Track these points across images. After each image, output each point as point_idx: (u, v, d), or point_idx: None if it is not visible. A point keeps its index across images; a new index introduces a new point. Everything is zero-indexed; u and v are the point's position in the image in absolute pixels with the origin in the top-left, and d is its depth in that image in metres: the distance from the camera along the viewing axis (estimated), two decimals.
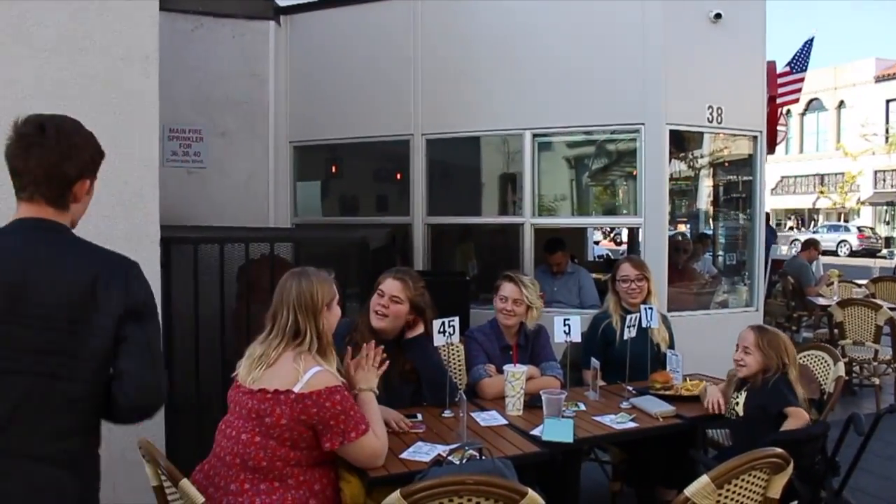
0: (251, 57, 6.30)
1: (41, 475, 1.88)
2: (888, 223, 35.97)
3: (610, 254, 13.13)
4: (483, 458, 2.54)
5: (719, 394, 3.39)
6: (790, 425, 3.02)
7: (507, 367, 3.41)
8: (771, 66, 7.08)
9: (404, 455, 2.77)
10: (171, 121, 6.01)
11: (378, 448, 2.60)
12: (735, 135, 5.84)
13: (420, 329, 3.45)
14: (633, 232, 9.23)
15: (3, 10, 3.59)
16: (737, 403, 3.29)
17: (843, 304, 6.84)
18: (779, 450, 2.33)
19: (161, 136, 5.90)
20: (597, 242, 12.61)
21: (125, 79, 3.85)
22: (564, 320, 3.59)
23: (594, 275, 6.61)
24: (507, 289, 3.88)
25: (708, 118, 5.40)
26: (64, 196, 2.04)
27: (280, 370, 2.54)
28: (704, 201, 6.80)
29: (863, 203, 36.79)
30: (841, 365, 3.79)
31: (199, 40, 6.16)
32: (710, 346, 4.82)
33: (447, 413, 3.30)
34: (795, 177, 39.96)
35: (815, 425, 3.07)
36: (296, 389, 2.46)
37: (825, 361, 3.95)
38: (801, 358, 3.98)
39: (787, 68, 10.55)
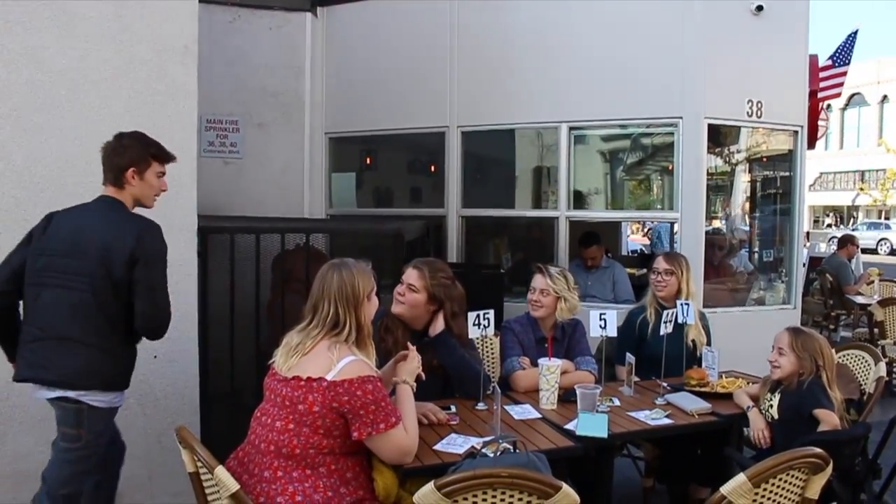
0: (288, 48, 6.33)
1: (92, 356, 2.96)
2: None
3: (644, 248, 13.00)
4: (517, 451, 2.53)
5: (763, 425, 3.30)
6: (822, 428, 2.97)
7: (542, 361, 3.40)
8: (813, 59, 6.94)
9: (438, 447, 2.77)
10: (208, 111, 6.06)
11: (406, 444, 2.59)
12: (775, 129, 5.74)
13: (440, 325, 3.42)
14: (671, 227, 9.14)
15: (50, 1, 3.66)
16: (771, 406, 3.23)
17: (883, 303, 6.72)
18: (818, 450, 2.29)
19: (199, 126, 6.03)
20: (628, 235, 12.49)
21: (165, 70, 3.91)
22: (601, 314, 3.55)
23: (628, 269, 6.56)
24: (536, 280, 3.87)
25: (748, 112, 5.32)
26: (118, 179, 3.11)
27: (315, 358, 2.56)
28: (741, 197, 6.70)
29: None
30: (882, 365, 3.72)
31: (237, 31, 6.21)
32: (746, 344, 4.75)
33: (481, 405, 3.29)
34: (835, 173, 39.18)
35: (856, 426, 3.02)
36: (328, 377, 2.48)
37: (865, 361, 3.88)
38: (840, 357, 3.92)
39: (829, 62, 10.35)
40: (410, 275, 3.43)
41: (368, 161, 7.14)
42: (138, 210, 3.21)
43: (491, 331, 3.28)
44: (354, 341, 2.61)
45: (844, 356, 3.97)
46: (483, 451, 2.56)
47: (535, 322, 3.90)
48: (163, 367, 3.93)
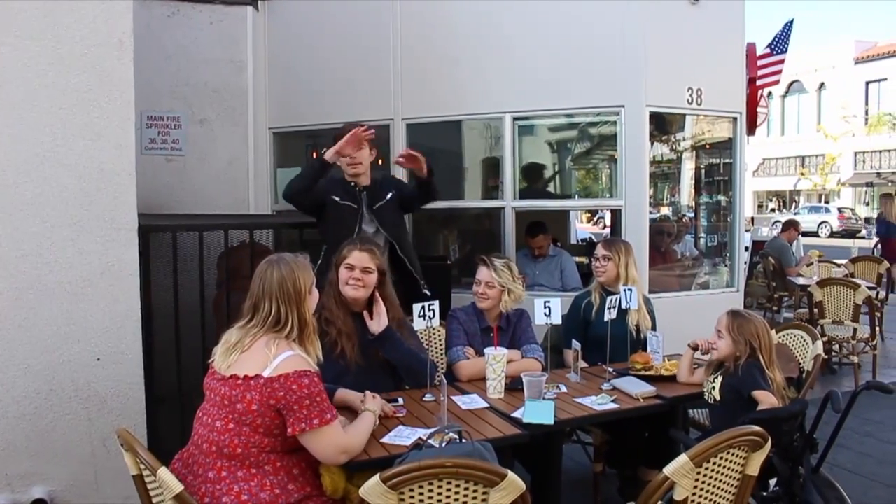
0: (229, 43, 6.22)
1: None
2: (868, 204, 36.20)
3: (593, 237, 13.14)
4: (463, 440, 2.54)
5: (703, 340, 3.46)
6: (761, 408, 3.05)
7: (488, 351, 3.41)
8: (751, 47, 7.11)
9: (385, 439, 2.77)
10: (148, 108, 5.95)
11: (342, 442, 2.55)
12: (715, 116, 5.85)
13: (383, 320, 3.40)
14: (615, 215, 9.25)
15: None
16: (713, 388, 3.30)
17: (822, 283, 6.91)
18: (756, 427, 2.35)
19: (139, 123, 5.92)
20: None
21: (99, 65, 3.80)
22: (545, 302, 3.58)
23: (577, 258, 6.63)
24: (480, 272, 3.90)
25: (688, 100, 5.41)
26: None
27: (253, 356, 2.54)
28: (686, 184, 6.82)
29: (843, 184, 36.97)
30: (819, 343, 3.83)
31: (177, 26, 6.08)
32: (691, 327, 4.81)
33: (428, 397, 3.30)
34: (777, 158, 40.13)
35: (793, 403, 3.11)
36: (265, 374, 2.46)
37: (804, 340, 3.99)
38: (780, 337, 4.02)
39: (768, 50, 10.57)
40: (362, 258, 3.41)
41: (314, 156, 7.04)
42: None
43: (436, 322, 3.28)
44: (297, 338, 2.59)
45: (784, 335, 4.08)
46: (429, 441, 2.57)
47: (480, 312, 3.92)
48: (106, 368, 3.86)
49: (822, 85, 38.01)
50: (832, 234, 31.27)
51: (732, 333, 3.24)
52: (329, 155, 4.20)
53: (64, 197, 3.73)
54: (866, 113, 35.48)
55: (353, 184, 4.43)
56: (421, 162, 4.32)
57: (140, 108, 5.90)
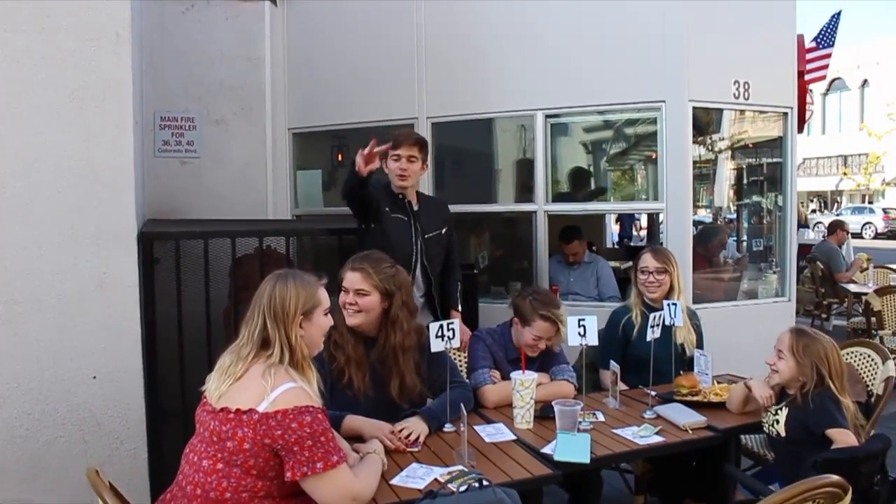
0: (246, 39, 5.94)
1: None
2: None
3: (627, 239, 12.69)
4: (484, 484, 2.19)
5: (767, 388, 3.01)
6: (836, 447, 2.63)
7: (515, 375, 3.03)
8: (800, 39, 6.63)
9: (396, 480, 2.42)
10: (162, 108, 5.70)
11: (353, 489, 2.20)
12: (764, 111, 5.40)
13: (415, 331, 3.09)
14: (651, 218, 8.83)
15: None
16: (776, 421, 2.89)
17: (881, 291, 6.43)
18: (835, 477, 1.95)
19: (152, 124, 5.67)
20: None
21: (94, 60, 3.52)
22: (579, 320, 3.15)
23: (612, 263, 6.25)
24: (544, 328, 3.40)
25: (734, 94, 4.97)
26: None
27: (247, 386, 2.20)
28: (727, 184, 6.40)
29: (888, 184, 35.95)
30: (891, 364, 3.41)
31: (191, 23, 5.82)
32: (739, 341, 4.45)
33: (448, 427, 2.94)
34: (818, 158, 39.11)
35: (873, 440, 2.67)
36: (260, 409, 2.12)
37: (872, 360, 3.57)
38: (843, 356, 3.60)
39: (814, 44, 10.09)
40: (354, 280, 3.04)
41: (340, 157, 6.74)
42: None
43: (456, 342, 2.89)
44: (289, 363, 2.25)
45: (848, 354, 3.65)
46: (448, 484, 2.22)
47: (510, 339, 3.55)
48: (103, 387, 3.59)
49: (865, 82, 37.02)
50: (877, 236, 30.40)
51: (797, 355, 2.83)
52: (360, 170, 3.61)
53: (56, 201, 3.47)
54: None
55: (400, 195, 4.00)
56: None
57: (153, 109, 5.71)
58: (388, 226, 3.91)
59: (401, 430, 2.78)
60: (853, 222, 29.82)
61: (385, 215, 3.92)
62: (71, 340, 3.51)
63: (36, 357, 3.45)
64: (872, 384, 3.46)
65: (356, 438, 2.75)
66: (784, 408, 2.88)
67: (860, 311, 7.63)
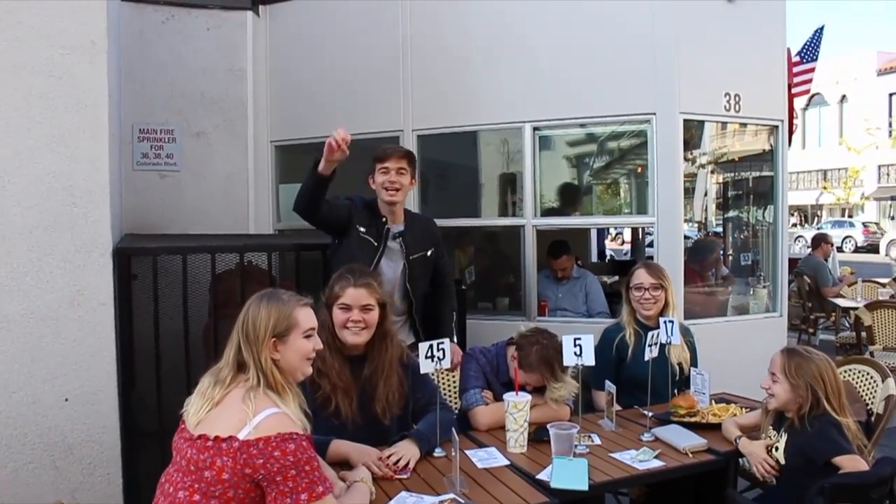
0: (228, 50, 5.81)
1: None
2: (893, 218, 35.45)
3: (613, 254, 12.61)
4: None
5: (763, 454, 2.85)
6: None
7: (508, 397, 2.90)
8: (788, 52, 6.61)
9: None
10: (141, 120, 5.55)
11: None
12: (755, 124, 5.35)
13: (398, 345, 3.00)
14: (635, 232, 8.76)
15: None
16: (776, 448, 2.78)
17: (871, 306, 6.36)
18: None
19: (130, 137, 5.52)
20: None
21: (68, 69, 3.39)
22: (575, 340, 3.03)
23: (600, 277, 6.16)
24: (535, 379, 3.24)
25: (725, 106, 4.91)
26: None
27: (226, 412, 2.07)
28: (713, 198, 6.34)
29: (867, 198, 36.27)
30: (891, 382, 3.32)
31: (171, 33, 5.68)
32: (730, 360, 4.34)
33: (438, 451, 2.81)
34: (798, 172, 39.35)
35: (881, 463, 2.54)
36: (241, 436, 1.98)
37: (870, 377, 3.47)
38: (840, 374, 3.50)
39: (798, 58, 10.14)
40: (359, 296, 2.90)
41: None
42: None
43: (447, 363, 2.77)
44: (266, 386, 2.12)
45: (846, 372, 3.56)
46: None
47: (504, 363, 3.41)
48: (76, 410, 3.46)
49: (843, 97, 37.37)
50: (857, 249, 30.62)
51: (790, 377, 2.72)
52: (322, 167, 3.40)
53: (27, 216, 3.33)
54: (890, 125, 34.79)
55: (384, 220, 3.75)
56: None
57: (132, 121, 5.56)
58: (353, 246, 3.69)
59: (389, 456, 2.65)
60: (834, 236, 30.03)
61: (355, 233, 3.70)
62: (42, 361, 3.38)
63: (4, 379, 3.32)
64: (872, 403, 3.37)
65: (343, 464, 2.62)
66: (784, 433, 2.77)
67: (848, 325, 7.58)
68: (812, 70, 10.40)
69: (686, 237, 5.39)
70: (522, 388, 3.01)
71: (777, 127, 5.28)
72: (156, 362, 3.81)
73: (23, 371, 3.34)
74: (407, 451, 2.70)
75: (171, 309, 3.94)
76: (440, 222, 4.30)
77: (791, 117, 6.82)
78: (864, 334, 6.21)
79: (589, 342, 3.04)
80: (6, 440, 3.33)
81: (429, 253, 3.87)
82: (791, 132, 7.39)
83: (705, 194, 6.18)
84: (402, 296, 3.76)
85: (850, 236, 32.00)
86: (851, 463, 2.50)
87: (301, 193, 3.56)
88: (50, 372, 3.38)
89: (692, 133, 5.44)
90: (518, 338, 3.36)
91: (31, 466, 3.39)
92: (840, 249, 29.87)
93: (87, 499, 3.47)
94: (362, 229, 3.71)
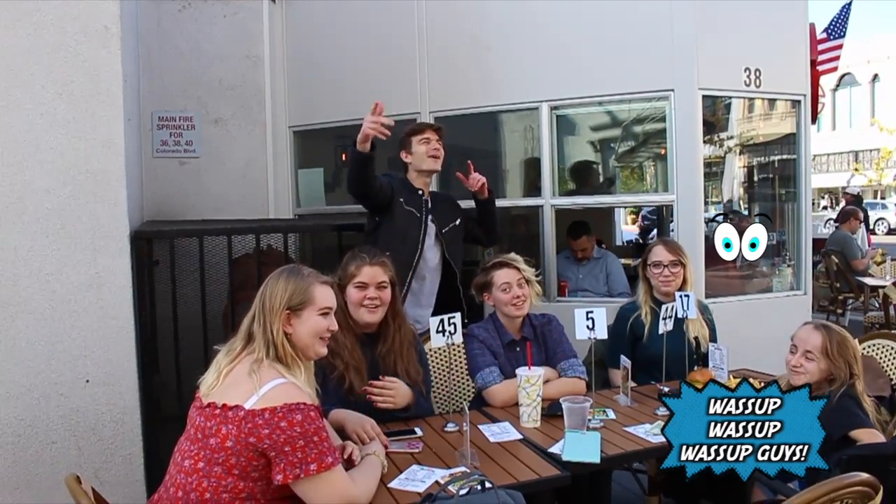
0: (244, 38, 5.83)
1: None
2: None
3: (640, 238, 12.50)
4: (487, 486, 2.05)
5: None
6: None
7: (521, 371, 2.90)
8: (812, 28, 6.47)
9: (395, 483, 2.29)
10: (160, 108, 5.59)
11: (350, 493, 2.07)
12: (776, 99, 5.25)
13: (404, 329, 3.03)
14: (660, 213, 8.66)
15: None
16: None
17: None
18: (865, 475, 1.81)
19: (150, 125, 5.57)
20: None
21: (82, 54, 3.42)
22: (587, 313, 3.00)
23: (623, 260, 6.09)
24: (503, 275, 3.36)
25: (745, 81, 4.81)
26: None
27: (236, 381, 2.09)
28: (737, 177, 6.24)
29: None
30: None
31: (188, 21, 5.71)
32: (754, 335, 4.30)
33: (451, 426, 2.81)
34: (828, 154, 38.73)
35: None
36: (247, 405, 2.00)
37: (894, 353, 3.41)
38: (864, 349, 3.45)
39: (825, 34, 9.93)
40: (375, 273, 2.95)
41: (343, 157, 6.60)
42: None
43: (458, 338, 2.76)
44: (274, 358, 2.13)
45: (869, 347, 3.50)
46: (449, 486, 2.09)
47: (500, 325, 3.41)
48: (97, 391, 3.50)
49: (875, 76, 36.62)
50: (890, 231, 30.04)
51: (832, 356, 2.68)
52: (359, 141, 3.67)
53: (45, 202, 3.37)
54: None
55: (420, 191, 3.96)
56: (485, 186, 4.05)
57: (150, 109, 5.61)
58: (398, 219, 3.85)
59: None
60: None
61: (398, 206, 3.86)
62: (63, 343, 3.42)
63: (26, 362, 3.36)
64: (895, 378, 3.31)
65: (339, 431, 2.63)
66: None
67: (877, 305, 7.45)
68: (840, 47, 10.18)
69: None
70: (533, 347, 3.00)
71: (800, 102, 5.17)
72: (175, 344, 3.85)
73: (43, 353, 3.38)
74: (400, 387, 2.76)
75: (191, 292, 4.00)
76: (460, 203, 4.31)
77: (816, 94, 6.69)
78: (893, 312, 6.09)
79: (601, 315, 3.02)
80: (29, 422, 3.38)
81: (458, 222, 4.06)
82: (817, 111, 7.26)
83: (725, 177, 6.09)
84: (442, 268, 3.93)
85: (882, 218, 31.38)
86: (867, 435, 2.47)
87: (351, 175, 3.76)
88: (71, 354, 3.42)
89: (718, 116, 5.36)
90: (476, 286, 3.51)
91: (54, 447, 3.44)
92: (872, 231, 29.36)
93: (109, 478, 3.52)
94: (403, 200, 3.86)
